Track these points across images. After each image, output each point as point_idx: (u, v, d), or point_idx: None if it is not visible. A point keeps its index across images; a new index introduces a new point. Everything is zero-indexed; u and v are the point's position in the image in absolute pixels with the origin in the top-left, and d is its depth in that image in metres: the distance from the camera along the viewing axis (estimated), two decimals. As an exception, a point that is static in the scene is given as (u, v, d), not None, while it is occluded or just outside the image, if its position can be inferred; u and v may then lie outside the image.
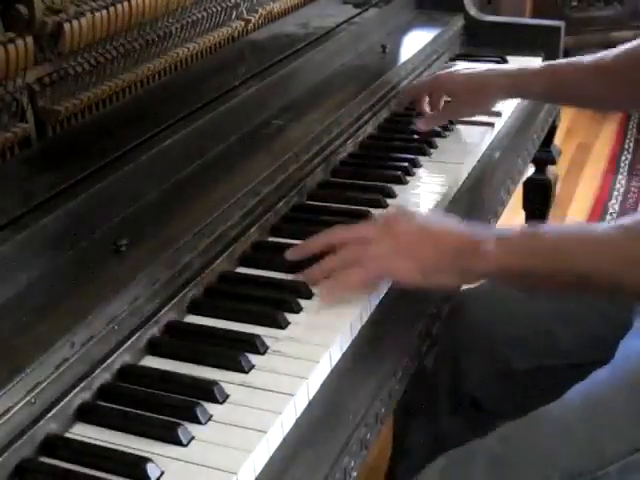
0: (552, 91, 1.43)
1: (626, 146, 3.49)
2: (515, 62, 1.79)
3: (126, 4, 1.07)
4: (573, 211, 2.96)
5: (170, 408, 0.82)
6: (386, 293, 1.04)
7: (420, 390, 1.32)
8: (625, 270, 0.95)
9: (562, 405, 1.06)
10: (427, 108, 1.50)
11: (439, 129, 1.46)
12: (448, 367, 1.32)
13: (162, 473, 0.76)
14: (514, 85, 1.43)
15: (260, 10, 1.42)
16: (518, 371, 1.28)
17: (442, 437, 1.36)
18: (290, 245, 1.10)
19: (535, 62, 1.45)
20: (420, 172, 1.33)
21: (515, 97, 1.53)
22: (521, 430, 1.04)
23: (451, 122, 1.50)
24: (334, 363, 0.92)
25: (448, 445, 1.37)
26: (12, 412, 0.75)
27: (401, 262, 0.99)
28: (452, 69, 1.53)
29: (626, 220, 0.98)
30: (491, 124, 1.49)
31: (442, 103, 1.50)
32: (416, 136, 1.45)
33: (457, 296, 1.24)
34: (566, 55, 1.68)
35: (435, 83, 1.49)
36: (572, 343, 1.25)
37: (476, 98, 1.43)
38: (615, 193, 3.12)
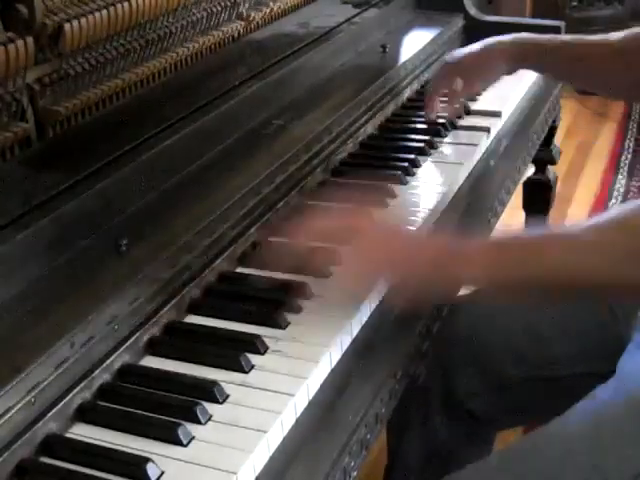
0: (551, 64, 1.40)
1: (626, 146, 3.49)
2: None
3: (126, 4, 1.07)
4: (573, 211, 2.96)
5: (170, 408, 0.82)
6: (387, 292, 1.04)
7: (413, 402, 1.32)
8: (597, 268, 0.93)
9: (563, 427, 1.04)
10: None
11: (439, 129, 1.46)
12: (441, 378, 1.31)
13: (162, 473, 0.76)
14: (520, 56, 1.39)
15: (260, 10, 1.42)
16: (513, 382, 1.27)
17: (436, 448, 1.36)
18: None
19: (545, 35, 1.38)
20: (420, 172, 1.33)
21: (522, 68, 1.48)
22: (521, 454, 1.03)
23: (451, 124, 1.50)
24: (334, 363, 0.92)
25: (443, 455, 1.38)
26: (12, 412, 0.75)
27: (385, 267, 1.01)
28: (462, 50, 1.50)
29: (596, 220, 0.95)
30: (488, 129, 1.49)
31: (458, 85, 1.48)
32: (416, 136, 1.45)
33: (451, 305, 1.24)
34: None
35: (443, 68, 1.47)
36: (567, 354, 1.25)
37: (484, 69, 1.40)
38: (615, 193, 3.12)
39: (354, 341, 0.96)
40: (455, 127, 1.49)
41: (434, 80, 1.52)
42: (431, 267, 0.97)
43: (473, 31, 1.89)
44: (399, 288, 0.99)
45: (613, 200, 3.05)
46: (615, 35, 1.33)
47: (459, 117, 1.53)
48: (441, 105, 1.49)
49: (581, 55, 1.36)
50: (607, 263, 0.92)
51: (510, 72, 1.45)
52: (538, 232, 1.01)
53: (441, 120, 1.49)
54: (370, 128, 1.45)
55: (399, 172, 1.30)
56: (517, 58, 1.40)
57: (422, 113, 1.52)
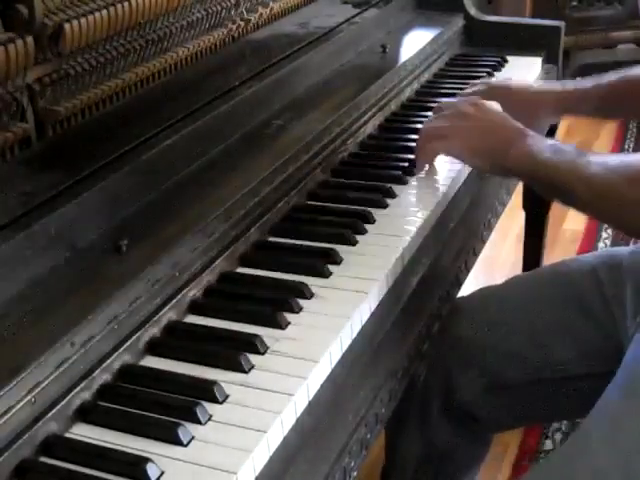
0: (600, 108, 1.45)
1: (626, 146, 3.49)
2: (515, 62, 1.80)
3: (126, 4, 1.07)
4: (573, 211, 2.95)
5: (170, 408, 0.82)
6: (386, 293, 1.04)
7: (412, 402, 1.32)
8: (591, 198, 1.10)
9: (585, 442, 1.04)
10: None
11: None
12: (440, 379, 1.32)
13: (162, 473, 0.76)
14: (567, 107, 1.46)
15: (260, 10, 1.43)
16: (513, 384, 1.27)
17: (435, 448, 1.36)
18: (290, 245, 1.10)
19: (586, 80, 1.47)
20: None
21: (565, 116, 1.55)
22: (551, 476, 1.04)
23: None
24: (334, 363, 0.92)
25: (441, 456, 1.38)
26: (12, 412, 0.75)
27: (451, 140, 1.24)
28: (506, 81, 1.52)
29: (619, 159, 1.13)
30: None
31: None
32: (416, 136, 1.45)
33: (450, 306, 1.24)
34: (566, 55, 1.68)
35: (490, 93, 1.48)
36: (566, 356, 1.25)
37: (530, 116, 1.43)
38: (615, 193, 3.11)
39: (354, 341, 0.96)
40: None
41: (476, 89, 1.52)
42: (492, 147, 1.19)
43: (473, 31, 1.90)
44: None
45: (613, 200, 3.05)
46: None
47: None
48: None
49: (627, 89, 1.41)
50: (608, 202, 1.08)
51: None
52: (593, 157, 1.13)
53: None
54: (370, 128, 1.45)
55: (399, 172, 1.30)
56: (561, 113, 1.51)
57: (422, 113, 1.52)
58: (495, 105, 1.27)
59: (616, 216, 1.11)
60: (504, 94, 1.44)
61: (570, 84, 1.48)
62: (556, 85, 1.51)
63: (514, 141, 1.17)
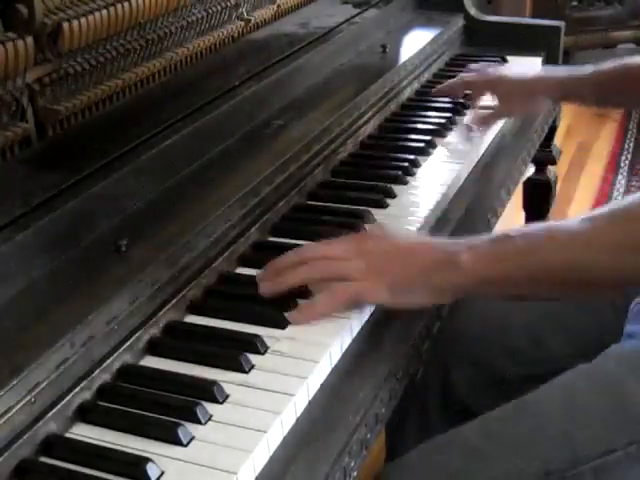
0: (599, 95, 1.45)
1: (626, 146, 3.50)
2: (515, 62, 1.80)
3: (126, 4, 1.07)
4: (573, 211, 2.96)
5: (170, 408, 0.82)
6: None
7: (411, 400, 1.32)
8: (596, 259, 0.93)
9: (540, 400, 1.07)
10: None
11: (438, 128, 1.46)
12: (439, 377, 1.32)
13: (162, 473, 0.76)
14: (563, 90, 1.45)
15: (260, 10, 1.43)
16: (511, 381, 1.27)
17: None
18: (290, 245, 1.10)
19: (586, 67, 1.45)
20: (420, 172, 1.33)
21: (564, 101, 1.54)
22: (498, 423, 1.06)
23: (451, 122, 1.50)
24: (334, 363, 0.92)
25: None
26: (12, 412, 0.75)
27: (368, 282, 0.96)
28: (500, 70, 1.53)
29: (593, 212, 0.97)
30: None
31: (479, 102, 1.52)
32: (416, 136, 1.45)
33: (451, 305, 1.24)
34: (566, 55, 1.69)
35: (485, 82, 1.49)
36: (565, 353, 1.25)
37: (526, 101, 1.43)
38: (615, 193, 3.12)
39: (354, 341, 0.96)
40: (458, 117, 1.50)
41: (469, 77, 1.53)
42: (425, 271, 0.96)
43: (473, 31, 1.90)
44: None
45: (613, 200, 3.05)
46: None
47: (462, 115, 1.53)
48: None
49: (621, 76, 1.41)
50: (606, 254, 0.93)
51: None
52: (536, 226, 1.01)
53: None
54: (370, 128, 1.45)
55: (399, 172, 1.30)
56: (559, 96, 1.49)
57: (422, 113, 1.52)
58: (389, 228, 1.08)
59: None
60: (499, 83, 1.45)
61: (569, 70, 1.48)
62: (554, 71, 1.52)
63: (449, 250, 0.97)
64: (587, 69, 1.45)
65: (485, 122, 1.49)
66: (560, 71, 1.51)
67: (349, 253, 0.98)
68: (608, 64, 1.43)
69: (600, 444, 1.00)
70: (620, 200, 1.00)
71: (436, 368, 1.31)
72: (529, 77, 1.50)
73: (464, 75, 1.58)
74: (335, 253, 0.98)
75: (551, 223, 1.03)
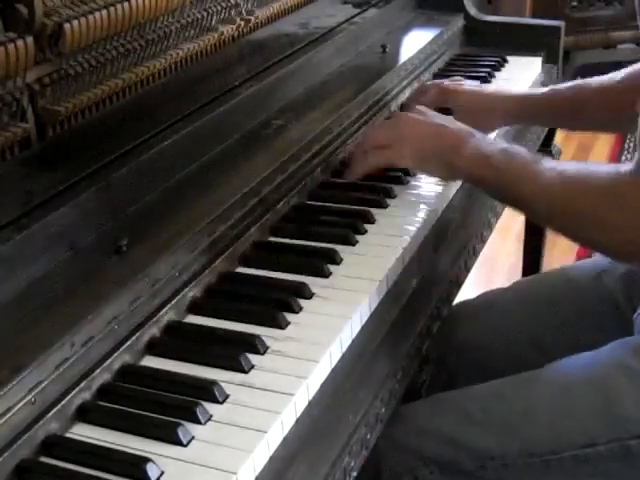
0: (554, 115, 1.44)
1: (626, 146, 3.49)
2: (515, 62, 1.80)
3: (126, 4, 1.07)
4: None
5: (170, 408, 0.82)
6: (386, 293, 1.04)
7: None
8: (542, 207, 1.09)
9: (538, 380, 1.12)
10: None
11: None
12: (444, 383, 1.32)
13: (162, 473, 0.76)
14: (519, 112, 1.44)
15: (260, 10, 1.43)
16: None
17: None
18: (290, 245, 1.10)
19: (541, 89, 1.48)
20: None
21: (519, 121, 1.52)
22: (495, 399, 1.12)
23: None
24: (334, 363, 0.92)
25: None
26: (12, 412, 0.75)
27: (400, 148, 1.21)
28: (458, 82, 1.51)
29: (565, 168, 1.08)
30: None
31: None
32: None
33: (452, 309, 1.24)
34: (566, 55, 1.68)
35: (442, 94, 1.47)
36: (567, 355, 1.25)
37: (481, 119, 1.41)
38: (615, 193, 3.11)
39: (354, 341, 0.96)
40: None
41: (426, 87, 1.52)
42: (441, 149, 1.18)
43: (473, 31, 1.90)
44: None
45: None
46: (613, 78, 1.37)
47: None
48: None
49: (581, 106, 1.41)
50: (546, 208, 1.08)
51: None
52: (525, 157, 1.12)
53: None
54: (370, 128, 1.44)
55: (399, 172, 1.30)
56: (515, 119, 1.49)
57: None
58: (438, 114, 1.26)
59: (576, 232, 1.08)
60: (455, 96, 1.44)
61: (526, 91, 1.48)
62: (510, 90, 1.52)
63: (465, 141, 1.16)
64: (543, 89, 1.46)
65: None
66: (514, 91, 1.51)
67: (391, 140, 1.23)
68: (564, 84, 1.42)
69: (582, 436, 1.04)
70: (586, 166, 1.12)
71: (442, 375, 1.32)
72: (487, 92, 1.49)
73: (422, 85, 1.56)
74: (380, 140, 1.24)
75: (537, 159, 1.12)
